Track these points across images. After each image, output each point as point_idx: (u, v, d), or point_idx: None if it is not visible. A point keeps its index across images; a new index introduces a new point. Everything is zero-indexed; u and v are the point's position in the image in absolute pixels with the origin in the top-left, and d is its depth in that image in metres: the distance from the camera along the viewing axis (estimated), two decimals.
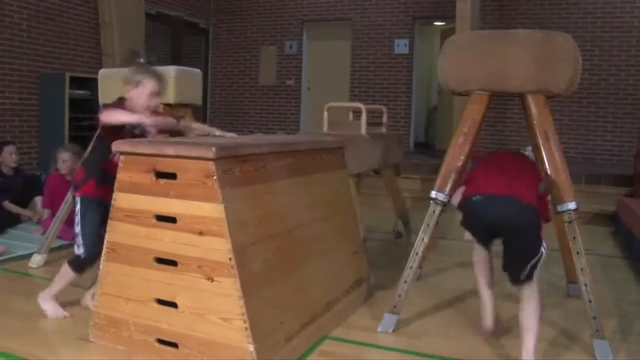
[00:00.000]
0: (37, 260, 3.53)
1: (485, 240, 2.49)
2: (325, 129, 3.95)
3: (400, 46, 9.09)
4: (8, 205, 4.69)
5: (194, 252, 2.12)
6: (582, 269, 2.53)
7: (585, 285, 2.50)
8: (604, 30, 7.91)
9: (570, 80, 2.67)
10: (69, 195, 3.61)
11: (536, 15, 8.22)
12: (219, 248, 2.06)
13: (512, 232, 2.30)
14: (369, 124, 3.83)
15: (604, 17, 7.91)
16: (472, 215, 2.43)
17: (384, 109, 4.40)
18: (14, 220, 4.63)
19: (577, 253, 2.54)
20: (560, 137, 2.78)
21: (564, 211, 2.59)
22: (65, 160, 4.37)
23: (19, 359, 2.22)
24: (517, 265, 2.28)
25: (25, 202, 4.88)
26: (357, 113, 4.24)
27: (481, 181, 2.41)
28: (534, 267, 2.26)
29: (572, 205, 2.58)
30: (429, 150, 9.28)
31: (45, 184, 4.55)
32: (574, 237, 2.56)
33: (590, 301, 2.48)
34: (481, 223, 2.41)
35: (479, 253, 2.55)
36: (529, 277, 2.26)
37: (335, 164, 3.06)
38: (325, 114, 3.96)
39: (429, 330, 2.70)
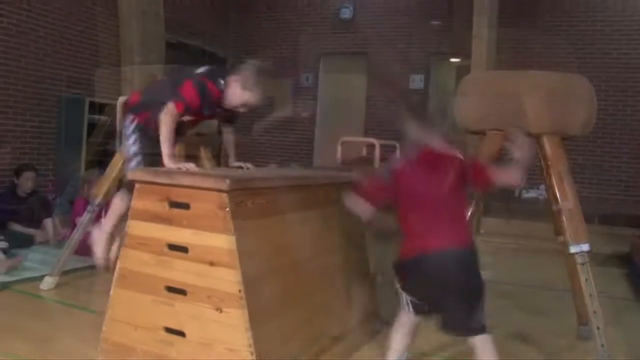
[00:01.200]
0: (48, 282, 3.55)
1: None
2: (338, 162, 3.98)
3: (416, 81, 9.16)
4: (16, 226, 4.73)
5: (204, 282, 2.13)
6: (594, 312, 2.50)
7: (598, 328, 2.47)
8: (619, 70, 7.93)
9: (586, 122, 2.69)
10: (84, 217, 3.66)
11: (552, 54, 8.25)
12: (229, 279, 2.07)
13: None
14: (382, 158, 3.85)
15: (619, 57, 7.94)
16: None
17: (397, 144, 4.42)
18: (27, 242, 4.66)
19: (590, 295, 2.52)
20: (575, 176, 2.77)
21: (577, 252, 2.57)
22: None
23: None
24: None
25: (35, 225, 4.89)
26: (371, 147, 4.26)
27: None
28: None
29: (585, 247, 2.57)
30: None
31: (73, 208, 4.58)
32: (587, 279, 2.54)
33: (602, 345, 2.45)
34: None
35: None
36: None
37: None
38: (339, 148, 3.99)
39: None
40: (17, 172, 4.96)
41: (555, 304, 3.79)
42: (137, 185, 2.31)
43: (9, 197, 4.94)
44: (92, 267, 4.11)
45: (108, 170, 3.67)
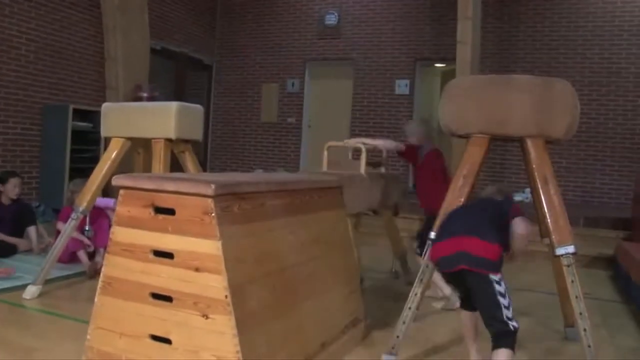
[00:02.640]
0: (31, 291, 3.51)
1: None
2: (324, 167, 3.98)
3: (401, 87, 9.20)
4: (1, 236, 4.67)
5: (189, 289, 2.11)
6: (580, 313, 2.51)
7: (584, 330, 2.48)
8: (601, 75, 8.02)
9: (569, 126, 2.70)
10: (68, 225, 3.62)
11: (535, 59, 8.35)
12: (215, 285, 2.05)
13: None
14: (368, 163, 3.85)
15: (601, 62, 8.04)
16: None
17: (384, 149, 4.42)
18: (10, 251, 4.61)
19: (576, 297, 2.53)
20: (559, 179, 2.79)
21: (562, 254, 2.58)
22: None
23: None
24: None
25: (18, 233, 4.82)
26: (357, 152, 4.26)
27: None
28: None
29: (570, 249, 2.58)
30: None
31: (59, 216, 4.53)
32: (573, 281, 2.55)
33: (589, 346, 2.46)
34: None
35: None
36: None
37: (334, 203, 3.07)
38: (325, 153, 3.99)
39: None
40: (3, 179, 4.89)
41: (541, 306, 3.81)
42: (121, 191, 2.29)
43: None
44: (76, 275, 4.09)
45: (92, 177, 3.64)
